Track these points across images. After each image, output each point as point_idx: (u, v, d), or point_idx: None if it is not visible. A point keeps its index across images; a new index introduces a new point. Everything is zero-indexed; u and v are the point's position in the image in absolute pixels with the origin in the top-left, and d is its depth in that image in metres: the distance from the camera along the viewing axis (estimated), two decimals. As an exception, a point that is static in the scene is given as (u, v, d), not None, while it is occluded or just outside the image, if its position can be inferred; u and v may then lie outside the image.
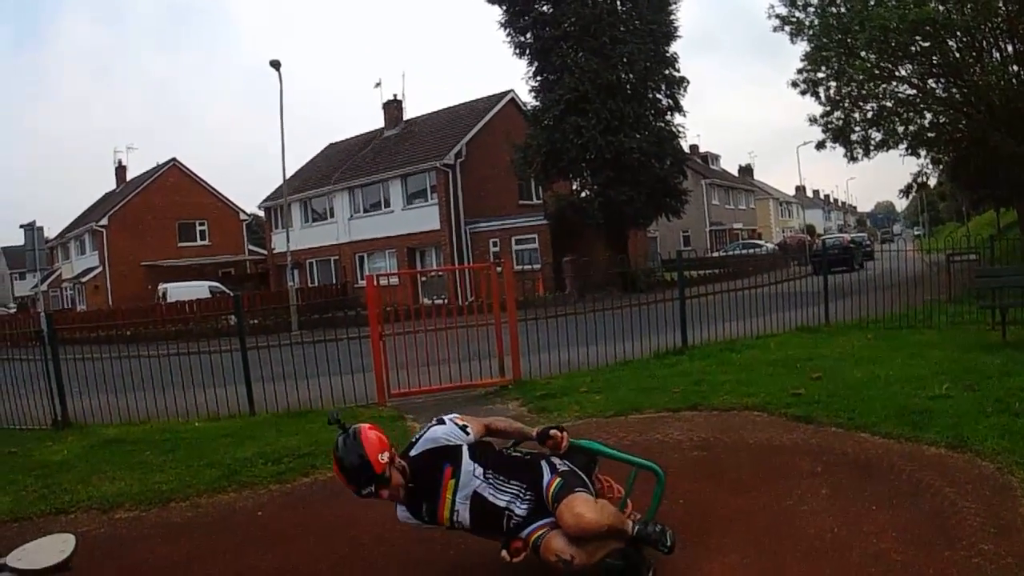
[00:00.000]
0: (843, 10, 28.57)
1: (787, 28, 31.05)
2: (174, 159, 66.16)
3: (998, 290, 14.57)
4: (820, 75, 31.30)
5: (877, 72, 29.57)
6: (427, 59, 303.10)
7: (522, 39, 40.45)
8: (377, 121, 57.35)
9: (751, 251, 50.28)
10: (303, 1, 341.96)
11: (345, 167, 52.87)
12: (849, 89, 30.98)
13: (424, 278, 36.69)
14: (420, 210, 46.22)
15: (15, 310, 73.20)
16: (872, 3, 26.65)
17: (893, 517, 5.88)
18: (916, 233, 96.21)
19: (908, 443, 7.71)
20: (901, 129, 31.07)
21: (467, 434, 5.48)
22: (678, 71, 40.77)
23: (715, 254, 54.64)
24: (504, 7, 40.29)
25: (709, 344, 15.35)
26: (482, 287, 16.30)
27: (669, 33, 39.95)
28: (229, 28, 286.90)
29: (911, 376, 10.47)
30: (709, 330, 15.88)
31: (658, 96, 40.65)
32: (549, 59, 39.03)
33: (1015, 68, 27.26)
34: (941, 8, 25.48)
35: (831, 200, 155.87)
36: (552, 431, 5.59)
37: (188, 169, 66.53)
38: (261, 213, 63.36)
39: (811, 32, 30.17)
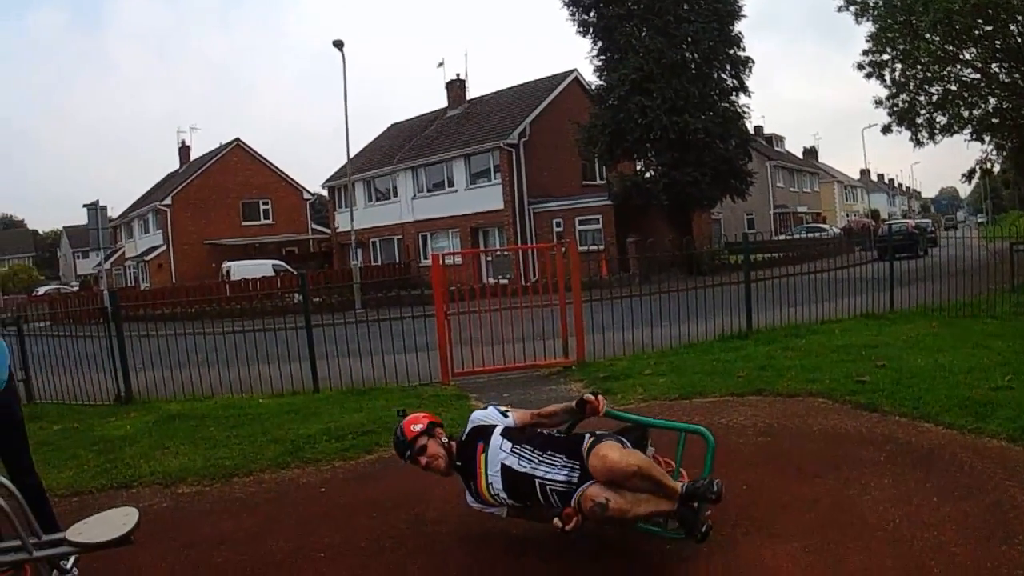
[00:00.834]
0: (907, -10, 28.30)
1: (852, 8, 31.00)
2: (238, 139, 66.62)
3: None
4: (885, 57, 31.11)
5: (942, 55, 29.37)
6: (490, 38, 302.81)
7: (586, 17, 40.39)
8: (440, 100, 57.56)
9: (815, 235, 49.90)
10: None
11: (408, 147, 53.00)
12: (914, 71, 30.78)
13: (490, 257, 36.64)
14: (483, 190, 46.25)
15: (77, 288, 74.09)
16: (936, -16, 26.29)
17: (954, 509, 5.81)
18: (979, 220, 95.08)
19: (970, 434, 7.63)
20: (966, 114, 30.91)
21: (506, 418, 5.94)
22: (743, 51, 40.47)
23: (779, 237, 54.23)
24: (567, -16, 40.02)
25: (774, 328, 15.26)
26: (547, 267, 16.26)
27: (733, 12, 39.66)
28: (290, 7, 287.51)
29: (974, 366, 10.34)
30: (773, 314, 15.82)
31: (723, 76, 40.34)
32: (613, 38, 38.90)
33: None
34: (1003, -9, 25.20)
35: (895, 185, 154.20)
36: (587, 396, 5.79)
37: (251, 149, 66.97)
38: (324, 192, 64.04)
39: (876, 13, 29.91)
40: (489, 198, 45.62)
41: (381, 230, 53.53)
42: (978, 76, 30.23)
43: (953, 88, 30.63)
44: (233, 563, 6.06)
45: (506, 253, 38.32)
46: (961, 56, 29.65)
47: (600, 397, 5.81)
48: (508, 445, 5.71)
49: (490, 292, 14.30)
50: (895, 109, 31.90)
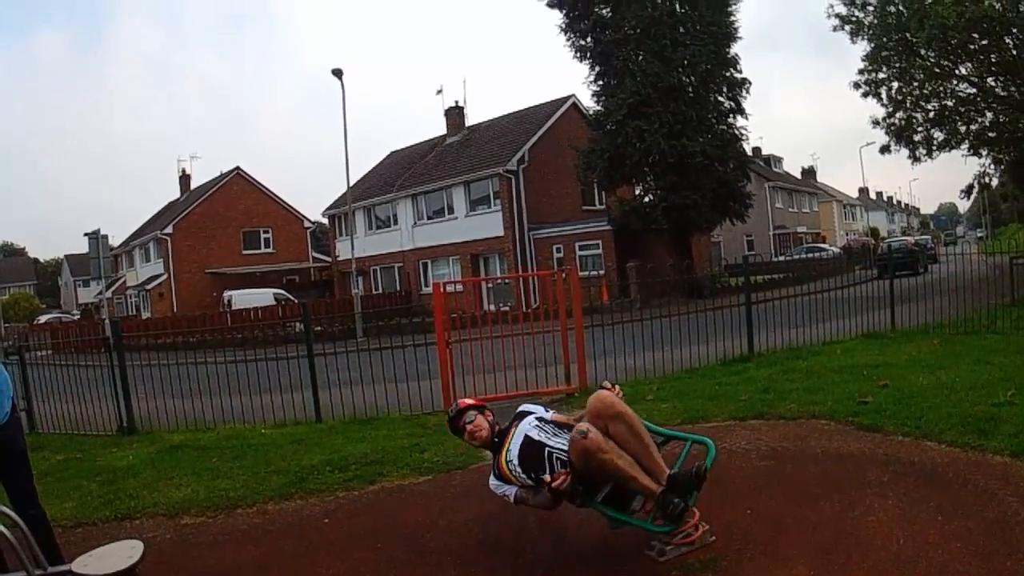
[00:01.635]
0: (902, 8, 28.45)
1: (847, 27, 31.23)
2: (238, 168, 66.93)
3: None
4: (881, 75, 31.30)
5: (938, 71, 29.54)
6: (488, 65, 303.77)
7: (582, 43, 40.59)
8: (439, 128, 57.74)
9: (815, 255, 49.98)
10: (363, 8, 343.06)
11: (408, 174, 53.15)
12: (911, 89, 30.94)
13: (490, 285, 36.73)
14: (483, 216, 46.34)
15: (79, 316, 74.24)
16: (929, 1, 26.44)
17: (958, 527, 5.81)
18: (979, 235, 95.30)
19: (974, 451, 7.63)
20: (963, 129, 31.03)
21: (547, 412, 6.58)
22: (739, 72, 40.66)
23: (779, 258, 54.29)
24: (564, 11, 40.39)
25: (775, 351, 15.24)
26: (548, 294, 16.29)
27: (729, 34, 39.83)
28: (289, 36, 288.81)
29: (976, 382, 10.33)
30: (775, 336, 15.80)
31: (720, 98, 40.51)
32: (610, 63, 39.08)
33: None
34: (997, 6, 25.31)
35: (894, 202, 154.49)
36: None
37: (252, 177, 67.26)
38: (325, 220, 64.03)
39: (871, 32, 30.07)
40: (489, 225, 45.68)
41: (382, 258, 53.55)
42: (974, 91, 30.39)
43: (950, 104, 30.82)
44: (238, 594, 6.07)
45: (506, 281, 38.42)
46: (957, 71, 29.82)
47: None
48: (535, 422, 6.30)
49: (491, 319, 14.30)
50: (892, 128, 32.04)
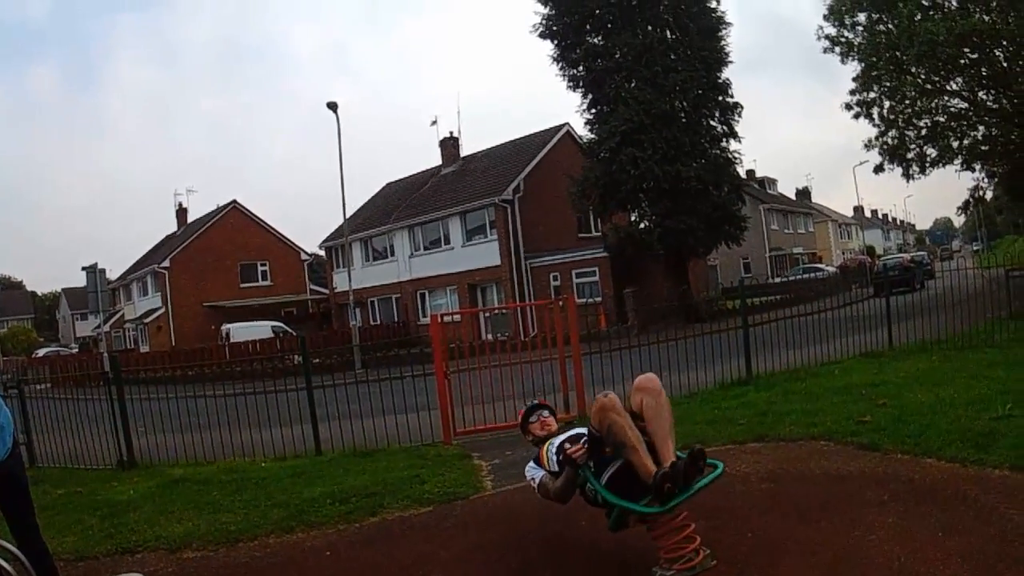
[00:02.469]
0: (891, 27, 28.55)
1: (837, 49, 31.17)
2: (234, 201, 67.22)
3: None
4: (872, 95, 31.34)
5: (929, 87, 29.57)
6: (482, 95, 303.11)
7: (575, 72, 40.86)
8: (435, 158, 58.05)
9: (812, 275, 50.03)
10: (358, 40, 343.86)
11: (404, 205, 53.32)
12: (902, 107, 30.95)
13: (488, 315, 36.79)
14: (480, 246, 46.44)
15: (77, 350, 74.25)
16: (918, 18, 26.58)
17: (959, 543, 5.80)
18: (975, 248, 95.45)
19: (973, 467, 7.64)
20: (956, 144, 31.06)
21: None
22: (731, 97, 40.95)
23: (776, 280, 54.33)
24: (555, 41, 40.72)
25: (773, 373, 15.22)
26: (546, 322, 16.30)
27: (720, 59, 40.21)
28: (286, 69, 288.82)
29: (975, 397, 10.36)
30: (773, 358, 15.78)
31: (712, 123, 40.81)
32: (602, 91, 39.34)
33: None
34: (987, 18, 25.41)
35: (890, 219, 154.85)
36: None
37: (248, 211, 67.52)
38: (322, 253, 64.05)
39: (860, 52, 30.17)
40: (486, 254, 45.77)
41: (379, 289, 53.62)
42: (966, 105, 30.46)
43: (941, 120, 30.88)
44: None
45: (504, 312, 38.43)
46: (948, 87, 29.89)
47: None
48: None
49: (488, 349, 14.32)
50: (885, 147, 32.08)
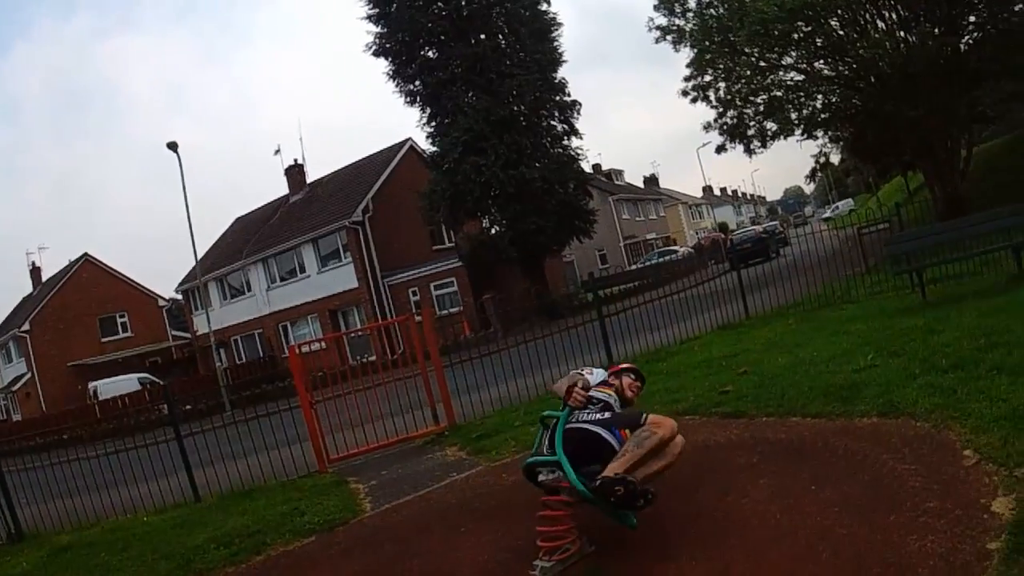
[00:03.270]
0: (721, 11, 28.92)
1: (669, 37, 31.37)
2: (86, 254, 65.46)
3: (911, 254, 14.84)
4: (707, 79, 31.67)
5: (764, 65, 29.99)
6: (323, 118, 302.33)
7: (411, 87, 41.00)
8: (282, 188, 57.40)
9: (668, 258, 50.70)
10: (194, 78, 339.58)
11: (255, 239, 52.71)
12: (738, 87, 31.35)
13: (347, 338, 36.67)
14: (336, 271, 46.16)
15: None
16: (748, -1, 26.92)
17: (834, 493, 5.92)
18: (828, 215, 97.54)
19: (840, 419, 7.77)
20: (794, 116, 31.42)
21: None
22: (568, 96, 41.61)
23: (632, 267, 54.99)
24: (390, 58, 40.80)
25: (635, 357, 15.28)
26: (413, 338, 16.28)
27: (555, 60, 40.79)
28: (123, 113, 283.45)
29: (835, 353, 10.58)
30: (633, 343, 16.04)
31: (553, 123, 41.37)
32: (440, 103, 39.52)
33: (902, 34, 27.72)
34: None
35: (740, 195, 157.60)
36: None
37: (100, 262, 65.83)
38: (179, 297, 63.00)
39: (692, 38, 30.48)
40: (342, 278, 45.53)
41: (240, 327, 52.90)
42: (802, 77, 30.90)
43: (779, 94, 31.17)
44: None
45: (360, 333, 38.32)
46: (783, 62, 30.30)
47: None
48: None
49: (355, 373, 14.27)
50: (725, 127, 32.43)
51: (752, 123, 32.05)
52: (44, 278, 69.07)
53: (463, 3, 39.06)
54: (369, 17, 40.58)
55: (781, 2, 24.94)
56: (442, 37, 39.62)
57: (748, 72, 30.14)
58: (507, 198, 38.09)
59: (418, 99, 40.99)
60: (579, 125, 41.45)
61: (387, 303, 44.41)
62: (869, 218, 20.76)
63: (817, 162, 41.20)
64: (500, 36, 39.91)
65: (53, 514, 13.13)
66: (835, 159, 48.31)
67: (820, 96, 31.87)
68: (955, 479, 5.65)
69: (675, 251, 62.41)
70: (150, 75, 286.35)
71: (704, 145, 46.91)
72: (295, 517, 9.62)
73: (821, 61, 30.65)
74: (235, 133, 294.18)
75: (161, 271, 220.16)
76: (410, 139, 49.93)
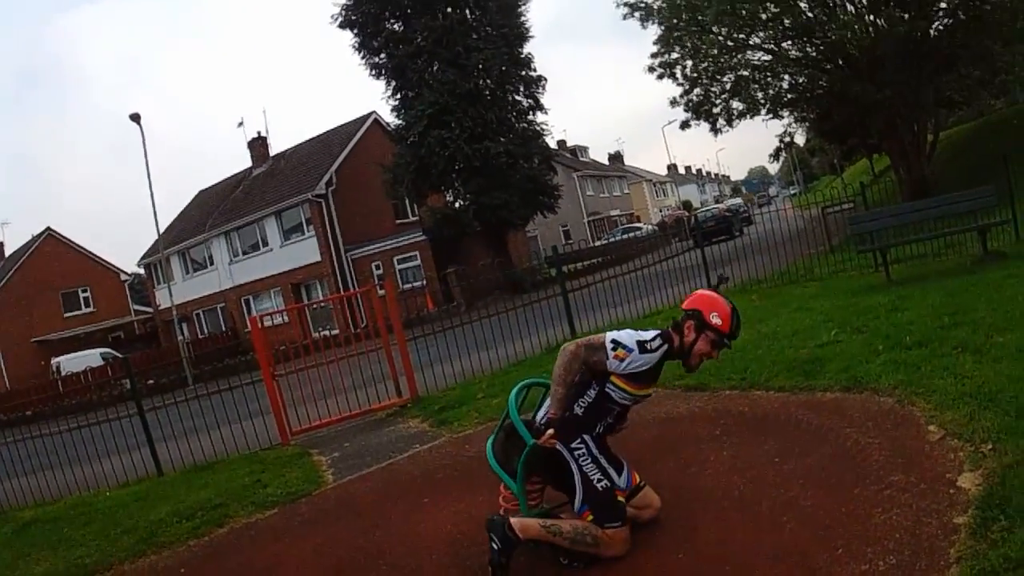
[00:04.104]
0: (690, -12, 28.87)
1: (637, 14, 31.26)
2: (48, 228, 64.49)
3: (875, 233, 14.95)
4: (675, 56, 31.61)
5: (731, 44, 29.96)
6: (287, 91, 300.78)
7: (376, 60, 40.71)
8: (245, 161, 57.11)
9: (630, 235, 50.76)
10: (154, 50, 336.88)
11: (218, 212, 52.41)
12: (705, 65, 31.32)
13: (308, 311, 36.51)
14: (298, 244, 46.03)
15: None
16: (719, -23, 26.85)
17: (797, 465, 5.98)
18: (792, 192, 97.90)
19: (803, 393, 7.85)
20: (760, 95, 31.42)
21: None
22: (534, 71, 41.51)
23: (597, 244, 55.13)
24: (355, 31, 40.46)
25: (598, 330, 15.33)
26: (376, 311, 16.23)
27: (521, 35, 40.64)
28: (83, 85, 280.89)
29: (799, 328, 10.69)
30: (597, 318, 16.03)
31: (518, 98, 41.27)
32: (406, 76, 39.32)
33: (870, 17, 27.75)
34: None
35: (704, 174, 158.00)
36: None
37: (63, 237, 64.95)
38: (141, 271, 62.61)
39: (660, 15, 30.41)
40: (305, 252, 45.38)
41: (203, 301, 52.71)
42: (769, 58, 30.92)
43: (745, 74, 31.16)
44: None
45: (323, 304, 38.22)
46: (750, 42, 30.30)
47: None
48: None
49: (317, 346, 14.23)
50: (690, 104, 32.40)
51: (718, 101, 32.06)
52: (7, 254, 68.38)
53: (430, -25, 38.89)
54: (336, -13, 40.32)
55: (751, -19, 24.95)
56: (409, 10, 39.33)
57: (715, 51, 30.06)
58: (471, 172, 38.08)
59: (383, 72, 40.72)
60: (544, 100, 41.77)
61: (350, 277, 44.26)
62: (834, 197, 20.86)
63: (782, 141, 41.01)
64: (467, 9, 39.71)
65: (17, 490, 13.04)
66: (800, 140, 48.28)
67: (787, 77, 31.90)
68: (920, 453, 5.69)
69: (638, 228, 62.51)
70: (111, 46, 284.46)
71: (670, 123, 47.26)
72: (258, 489, 9.61)
73: (789, 42, 30.64)
74: (198, 105, 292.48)
75: (123, 245, 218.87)
76: (374, 112, 49.77)
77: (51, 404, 22.27)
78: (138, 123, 39.27)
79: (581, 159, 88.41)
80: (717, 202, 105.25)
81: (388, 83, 40.98)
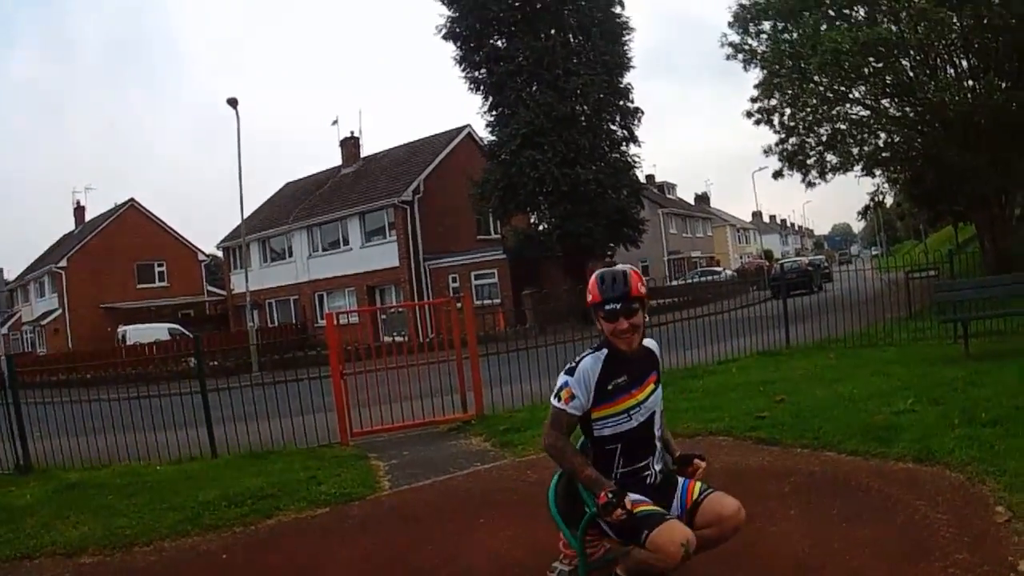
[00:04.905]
0: (795, 36, 28.65)
1: (740, 56, 31.11)
2: (132, 200, 65.91)
3: (958, 304, 14.69)
4: (773, 102, 31.39)
5: (831, 95, 29.73)
6: (384, 95, 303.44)
7: (476, 74, 40.82)
8: (335, 159, 57.58)
9: (709, 278, 50.50)
10: (258, 37, 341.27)
11: (303, 206, 52.83)
12: (803, 115, 31.09)
13: (384, 315, 36.52)
14: (379, 247, 46.31)
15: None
16: (824, 27, 26.72)
17: (865, 534, 5.83)
18: (874, 253, 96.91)
19: (875, 459, 7.71)
20: (856, 151, 31.14)
21: None
22: (632, 102, 41.39)
23: (674, 283, 54.86)
24: (458, 43, 40.63)
25: (672, 371, 15.16)
26: (443, 323, 16.20)
27: (623, 64, 40.59)
28: (183, 64, 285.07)
29: (875, 393, 10.50)
30: (671, 357, 15.78)
31: (612, 127, 41.12)
32: (504, 93, 39.34)
33: (970, 83, 27.47)
34: (894, 28, 25.63)
35: (788, 224, 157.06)
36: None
37: (146, 209, 66.23)
38: (219, 253, 63.20)
39: (764, 60, 30.23)
40: (384, 256, 45.61)
41: (277, 291, 53.17)
42: (868, 113, 30.65)
43: (843, 127, 30.92)
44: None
45: (400, 310, 38.26)
46: (850, 95, 30.05)
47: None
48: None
49: (385, 351, 14.21)
50: (785, 153, 32.18)
51: (813, 152, 31.81)
52: (87, 218, 69.26)
53: (536, -4, 38.94)
54: (442, -1, 40.58)
55: (855, 35, 24.75)
56: (512, 27, 39.45)
57: (815, 101, 29.83)
58: (559, 196, 37.91)
59: (482, 87, 40.87)
60: (639, 132, 41.33)
61: (426, 286, 44.51)
62: (918, 263, 20.58)
63: (872, 200, 40.70)
64: (570, 33, 39.68)
65: (65, 450, 13.16)
66: (889, 200, 47.69)
67: (883, 134, 31.63)
68: (986, 534, 5.57)
69: (717, 272, 62.14)
70: (213, 31, 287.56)
71: (760, 169, 46.68)
72: (311, 485, 9.56)
73: (888, 100, 30.37)
74: (293, 98, 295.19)
75: (203, 227, 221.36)
76: (469, 126, 49.85)
77: (114, 369, 22.36)
78: (235, 108, 39.69)
79: (668, 196, 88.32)
80: (798, 255, 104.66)
81: (485, 98, 41.09)
